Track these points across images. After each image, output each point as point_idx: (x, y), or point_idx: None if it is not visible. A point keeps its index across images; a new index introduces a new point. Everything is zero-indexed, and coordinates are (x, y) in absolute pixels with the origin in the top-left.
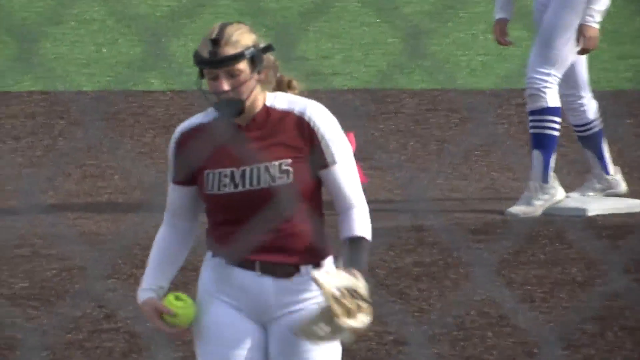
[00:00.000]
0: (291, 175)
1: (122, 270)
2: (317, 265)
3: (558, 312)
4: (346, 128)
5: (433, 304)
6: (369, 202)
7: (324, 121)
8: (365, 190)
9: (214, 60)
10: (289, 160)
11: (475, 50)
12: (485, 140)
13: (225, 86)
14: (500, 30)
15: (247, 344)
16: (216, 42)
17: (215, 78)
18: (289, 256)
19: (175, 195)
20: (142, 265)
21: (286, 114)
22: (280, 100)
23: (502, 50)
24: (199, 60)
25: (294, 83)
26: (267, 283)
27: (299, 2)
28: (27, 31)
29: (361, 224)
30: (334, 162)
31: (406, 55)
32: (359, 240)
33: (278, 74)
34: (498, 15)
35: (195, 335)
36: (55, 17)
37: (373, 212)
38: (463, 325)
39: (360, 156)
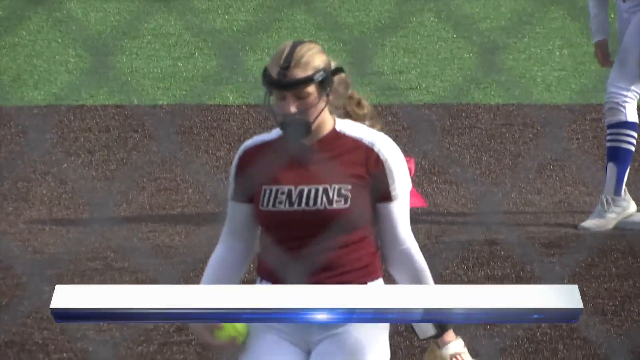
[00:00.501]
0: (349, 201)
1: (195, 283)
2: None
3: (629, 326)
4: (421, 143)
5: None
6: (442, 215)
7: (393, 156)
8: (436, 205)
9: (283, 82)
10: (349, 186)
11: (551, 65)
12: (559, 155)
13: (293, 108)
14: (602, 53)
15: None
16: (286, 63)
17: (283, 98)
18: (340, 281)
19: (234, 213)
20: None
21: (355, 142)
22: (350, 127)
23: (578, 66)
24: (268, 81)
25: (364, 102)
26: None
27: (375, 16)
28: (102, 45)
29: (425, 272)
30: (396, 197)
31: (482, 70)
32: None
33: (349, 91)
34: (597, 37)
35: (239, 356)
36: (131, 31)
37: (446, 226)
38: (534, 338)
39: (435, 170)
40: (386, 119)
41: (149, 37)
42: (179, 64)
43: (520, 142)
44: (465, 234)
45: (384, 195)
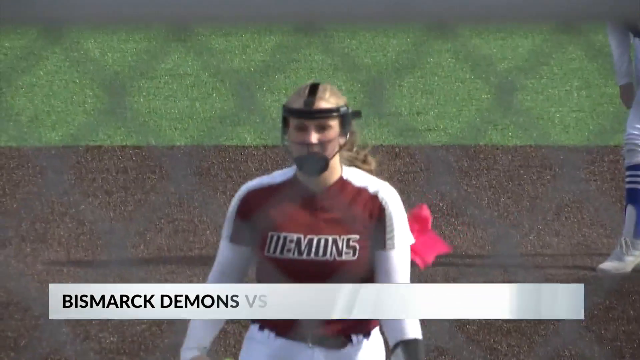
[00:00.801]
0: (357, 252)
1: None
2: (367, 334)
3: None
4: (439, 184)
5: None
6: (460, 257)
7: (394, 205)
8: (454, 247)
9: (310, 111)
10: (357, 237)
11: (569, 106)
12: (577, 197)
13: (314, 138)
14: (627, 96)
15: None
16: (312, 94)
17: (304, 129)
18: (342, 328)
19: (227, 254)
20: (235, 322)
21: (361, 191)
22: (356, 176)
23: (596, 107)
24: (292, 110)
25: (369, 158)
26: (318, 355)
27: (392, 57)
28: (120, 85)
29: (412, 322)
30: (392, 247)
31: (500, 111)
32: (415, 343)
33: (355, 147)
34: (622, 80)
35: None
36: (148, 71)
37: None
38: None
39: (453, 212)
40: (403, 160)
41: (166, 77)
42: (197, 104)
43: (538, 183)
44: (483, 276)
45: (381, 243)
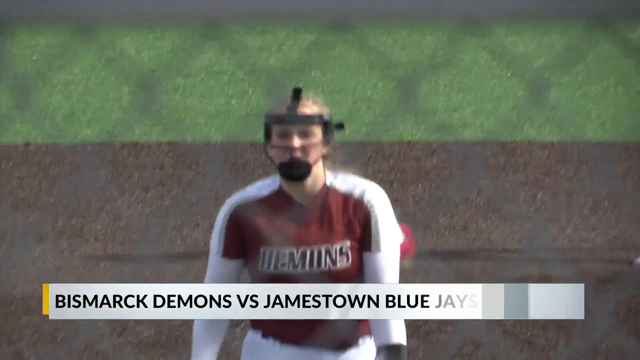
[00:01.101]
0: (350, 258)
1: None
2: (370, 334)
3: None
4: (476, 180)
5: (560, 353)
6: (497, 251)
7: (380, 207)
8: (491, 242)
9: (293, 115)
10: (348, 243)
11: (606, 103)
12: (614, 192)
13: (296, 143)
14: None
15: None
16: (295, 101)
17: (287, 135)
18: (348, 330)
19: (219, 268)
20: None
21: (346, 196)
22: (340, 181)
23: (632, 103)
24: (275, 116)
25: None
26: (327, 358)
27: (428, 54)
28: (155, 82)
29: (398, 328)
30: (378, 250)
31: (536, 108)
32: (398, 349)
33: (338, 162)
34: None
35: None
36: (184, 69)
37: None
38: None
39: (490, 207)
40: (440, 156)
41: (202, 74)
42: (232, 101)
43: (575, 179)
44: (520, 270)
45: (368, 245)
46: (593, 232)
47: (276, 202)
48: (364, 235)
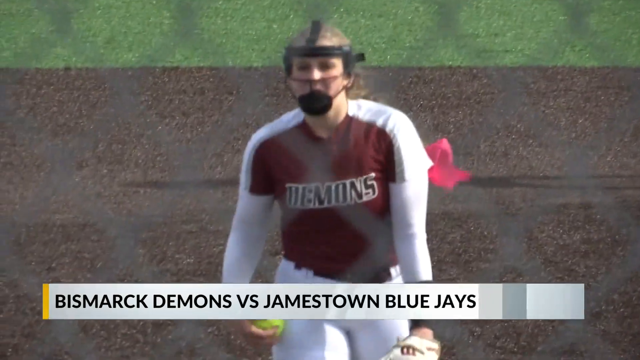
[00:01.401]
0: (376, 190)
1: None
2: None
3: None
4: (516, 105)
5: (600, 281)
6: (537, 178)
7: (404, 135)
8: (532, 168)
9: (312, 48)
10: (373, 175)
11: None
12: None
13: (316, 75)
14: None
15: (332, 350)
16: (314, 33)
17: (307, 68)
18: (381, 262)
19: (248, 204)
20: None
21: (369, 126)
22: (364, 111)
23: None
24: (295, 49)
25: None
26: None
27: None
28: (197, 6)
29: (424, 264)
30: (403, 180)
31: (577, 33)
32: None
33: (362, 93)
34: None
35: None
36: None
37: (542, 189)
38: (630, 302)
39: (530, 133)
40: (481, 81)
41: None
42: (274, 25)
43: (616, 105)
44: (560, 197)
45: (393, 176)
46: (634, 159)
47: (300, 136)
48: (388, 166)
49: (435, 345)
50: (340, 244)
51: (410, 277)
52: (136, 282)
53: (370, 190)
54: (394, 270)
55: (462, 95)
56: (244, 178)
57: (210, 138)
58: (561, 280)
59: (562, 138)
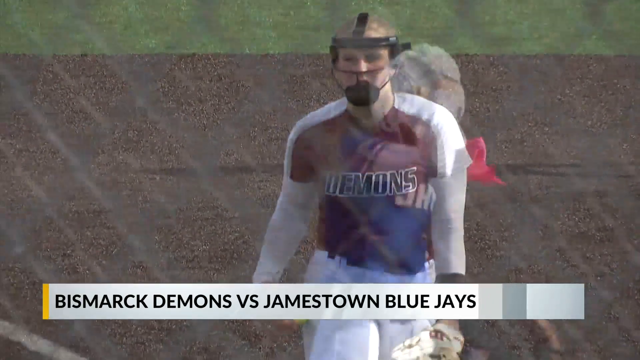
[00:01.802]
0: (416, 183)
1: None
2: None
3: None
4: (533, 93)
5: (615, 269)
6: (553, 166)
7: (447, 131)
8: (548, 156)
9: (359, 40)
10: (414, 168)
11: None
12: None
13: (363, 67)
14: None
15: (361, 340)
16: (361, 25)
17: (353, 59)
18: (415, 253)
19: (290, 189)
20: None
21: (415, 120)
22: (409, 104)
23: None
24: (341, 40)
25: (423, 90)
26: (393, 280)
27: None
28: None
29: (458, 257)
30: (444, 175)
31: (593, 21)
32: (453, 278)
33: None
34: None
35: (306, 331)
36: None
37: (557, 177)
38: None
39: (546, 121)
40: (497, 69)
41: None
42: (291, 12)
43: (632, 93)
44: (576, 185)
45: (435, 170)
46: None
47: (343, 125)
48: (430, 160)
49: (461, 337)
50: (375, 234)
51: (444, 269)
52: (151, 269)
53: (410, 183)
54: (427, 264)
55: (478, 83)
56: (286, 164)
57: (226, 125)
58: (576, 267)
59: (578, 126)
